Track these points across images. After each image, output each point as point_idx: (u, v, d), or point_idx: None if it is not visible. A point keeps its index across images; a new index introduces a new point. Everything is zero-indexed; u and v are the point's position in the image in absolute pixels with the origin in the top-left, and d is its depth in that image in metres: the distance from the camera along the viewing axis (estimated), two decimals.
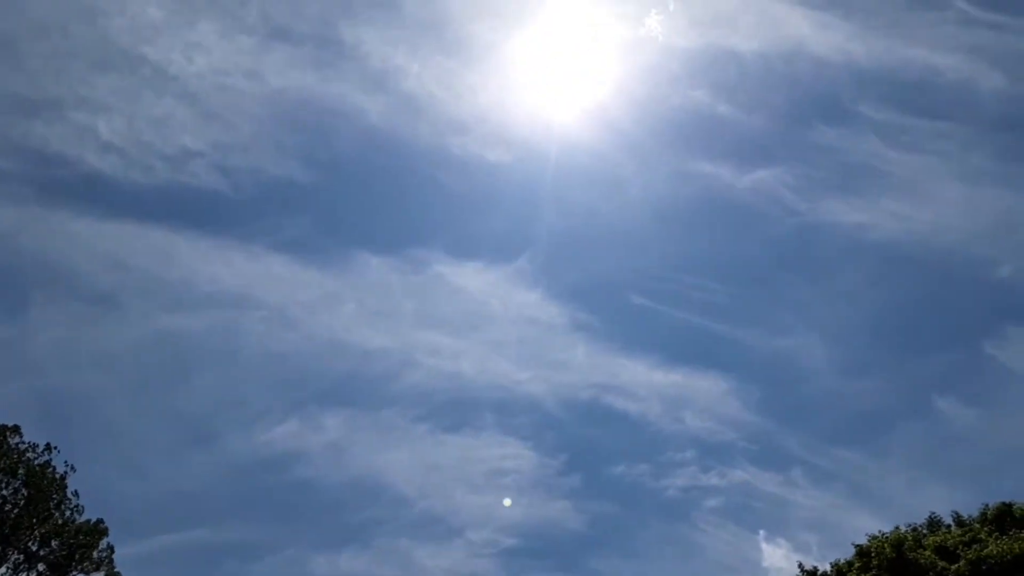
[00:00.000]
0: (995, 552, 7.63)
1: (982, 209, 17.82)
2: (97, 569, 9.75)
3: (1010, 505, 8.33)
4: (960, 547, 7.95)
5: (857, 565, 8.41)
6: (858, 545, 8.51)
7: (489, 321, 19.66)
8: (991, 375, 17.14)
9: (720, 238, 20.00)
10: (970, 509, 8.62)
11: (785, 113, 19.06)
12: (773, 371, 19.03)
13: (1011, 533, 7.85)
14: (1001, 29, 16.96)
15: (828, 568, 8.88)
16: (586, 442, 18.94)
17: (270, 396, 18.53)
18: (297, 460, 17.80)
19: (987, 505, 8.46)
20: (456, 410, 18.91)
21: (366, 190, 20.42)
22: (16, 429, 9.62)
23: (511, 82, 19.55)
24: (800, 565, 9.12)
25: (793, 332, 19.23)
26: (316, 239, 20.05)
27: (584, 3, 19.36)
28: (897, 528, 8.53)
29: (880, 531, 8.52)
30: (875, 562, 8.20)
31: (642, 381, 18.46)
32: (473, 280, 19.46)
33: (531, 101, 19.64)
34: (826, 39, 18.01)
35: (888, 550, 8.14)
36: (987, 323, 17.67)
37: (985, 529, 8.13)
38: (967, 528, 8.29)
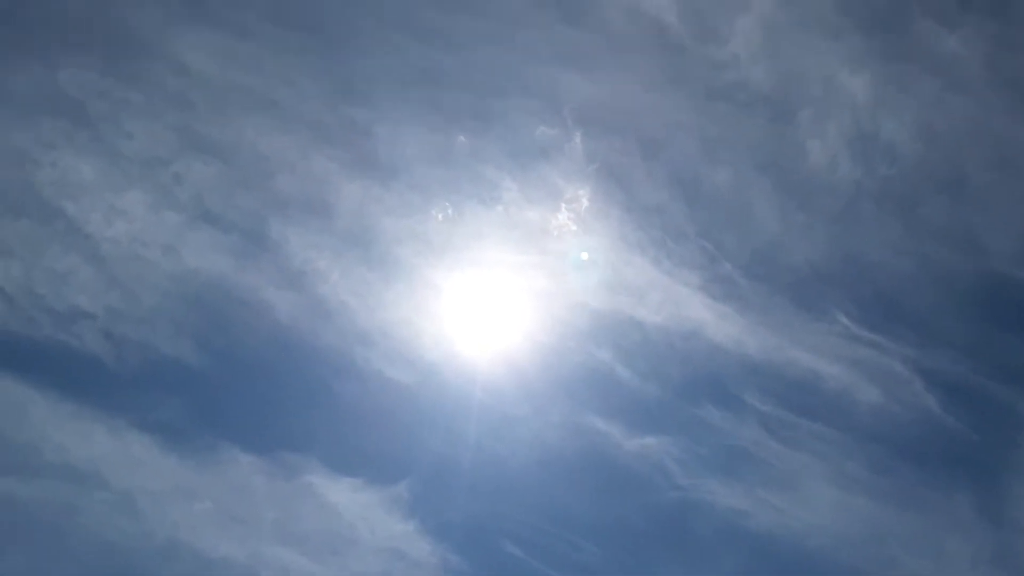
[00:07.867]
0: None
1: (854, 517, 17.96)
2: None
3: None
4: None
5: None
6: None
7: (353, 546, 18.03)
8: None
9: (602, 497, 19.40)
10: None
11: (678, 387, 19.41)
12: None
13: None
14: (879, 348, 18.15)
15: None
16: None
17: None
18: None
19: None
20: None
21: (254, 385, 19.37)
22: None
23: (427, 307, 19.32)
24: None
25: None
26: (187, 424, 18.58)
27: (511, 238, 19.70)
28: None
29: None
30: None
31: None
32: (345, 497, 18.08)
33: (443, 330, 19.33)
34: (722, 328, 18.78)
35: None
36: None
37: None
38: None
